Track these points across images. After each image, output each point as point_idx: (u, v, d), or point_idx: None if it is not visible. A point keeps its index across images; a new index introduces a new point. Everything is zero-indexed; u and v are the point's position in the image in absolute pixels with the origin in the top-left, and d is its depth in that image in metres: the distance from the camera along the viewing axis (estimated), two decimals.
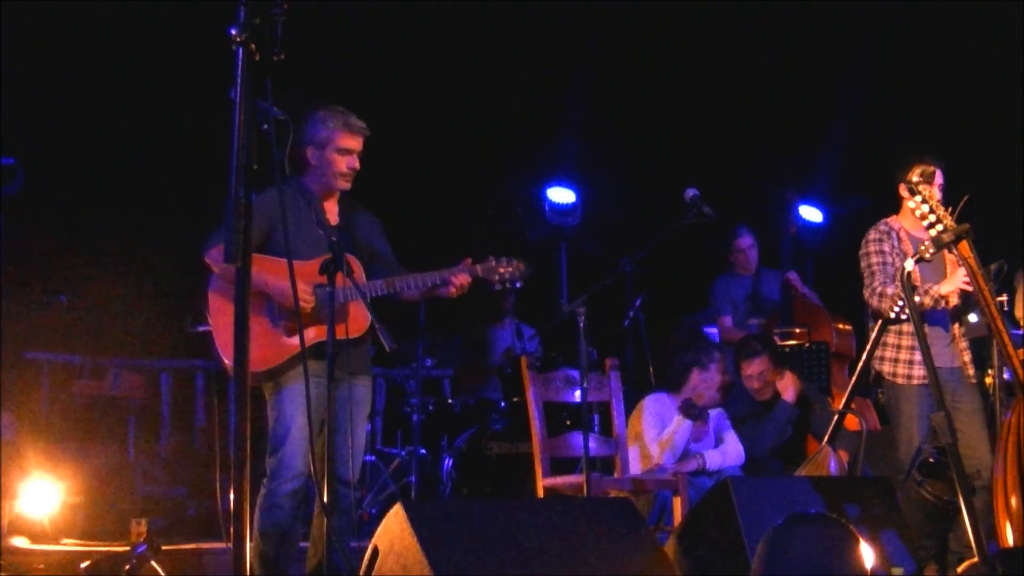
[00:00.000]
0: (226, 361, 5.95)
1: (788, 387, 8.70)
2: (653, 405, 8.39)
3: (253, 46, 3.84)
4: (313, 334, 5.96)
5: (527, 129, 11.69)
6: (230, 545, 3.89)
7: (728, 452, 8.29)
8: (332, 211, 6.32)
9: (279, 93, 4.19)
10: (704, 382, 8.38)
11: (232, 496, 3.67)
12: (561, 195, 11.48)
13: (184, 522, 9.22)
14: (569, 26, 11.59)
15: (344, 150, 6.19)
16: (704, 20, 11.86)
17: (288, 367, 6.04)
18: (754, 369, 8.67)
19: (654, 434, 8.23)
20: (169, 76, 10.04)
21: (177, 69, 9.90)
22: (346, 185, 6.28)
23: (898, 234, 7.21)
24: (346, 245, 6.05)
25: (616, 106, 12.02)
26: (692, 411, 8.22)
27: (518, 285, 6.33)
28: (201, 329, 6.32)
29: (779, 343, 9.51)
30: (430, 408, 9.77)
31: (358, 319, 6.08)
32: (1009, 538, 5.54)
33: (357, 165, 6.24)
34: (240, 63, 3.85)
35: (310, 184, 6.27)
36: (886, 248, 7.16)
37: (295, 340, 5.92)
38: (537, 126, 11.71)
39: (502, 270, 6.23)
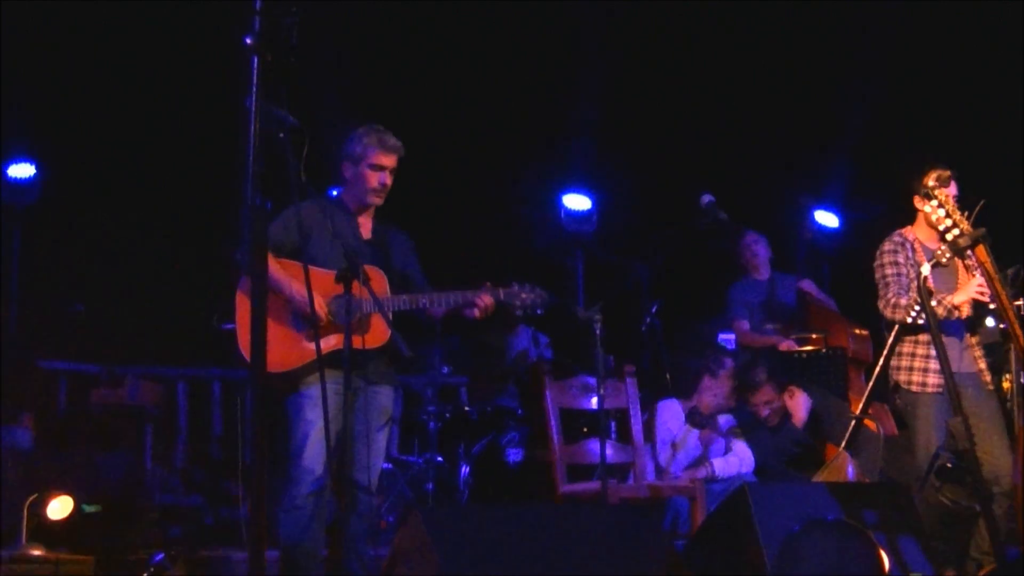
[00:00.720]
0: (247, 359, 6.02)
1: (798, 408, 8.72)
2: (664, 412, 8.41)
3: (268, 55, 3.87)
4: (334, 342, 6.06)
5: (543, 136, 11.70)
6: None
7: (739, 459, 8.29)
8: (366, 225, 6.51)
9: (300, 101, 4.22)
10: (714, 388, 8.41)
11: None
12: (577, 202, 11.48)
13: (202, 531, 9.23)
14: (584, 32, 11.59)
15: (377, 166, 6.38)
16: (720, 25, 11.87)
17: (306, 372, 6.14)
18: (759, 399, 8.70)
19: (664, 440, 8.25)
20: (185, 84, 10.07)
21: (193, 76, 9.93)
22: (378, 200, 6.46)
23: (912, 245, 7.20)
24: (378, 260, 6.26)
25: (631, 112, 12.01)
26: (697, 419, 8.25)
27: (540, 312, 6.40)
28: (227, 328, 6.37)
29: (796, 348, 9.51)
30: (447, 416, 9.76)
31: (377, 331, 6.18)
32: None
33: (389, 182, 6.42)
34: (255, 71, 3.88)
35: (346, 198, 6.50)
36: (900, 259, 7.15)
37: (313, 345, 5.98)
38: (553, 133, 11.72)
39: (524, 296, 6.31)
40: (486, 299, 6.25)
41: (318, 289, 5.85)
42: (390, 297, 6.16)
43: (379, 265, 6.24)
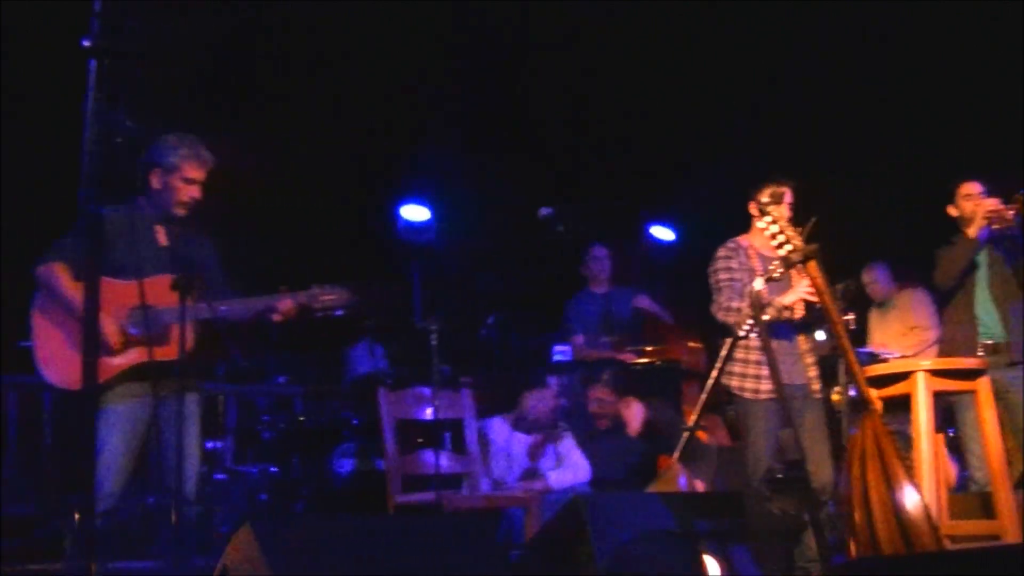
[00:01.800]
0: (46, 379, 5.88)
1: (633, 418, 8.80)
2: (493, 425, 8.43)
3: (107, 58, 3.80)
4: (135, 355, 5.88)
5: (382, 147, 11.67)
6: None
7: (574, 470, 8.34)
8: (164, 232, 6.21)
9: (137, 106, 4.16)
10: (537, 401, 8.45)
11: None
12: (415, 212, 11.47)
13: (32, 543, 9.04)
14: (424, 43, 11.60)
15: (190, 180, 6.14)
16: (557, 36, 11.95)
17: (104, 388, 5.87)
18: (594, 395, 8.77)
19: (497, 452, 8.27)
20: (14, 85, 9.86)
21: (25, 77, 9.73)
22: (183, 212, 6.19)
23: (747, 252, 7.31)
24: (177, 268, 5.95)
25: (472, 124, 12.04)
26: (527, 426, 8.29)
27: (339, 313, 6.29)
28: (23, 345, 6.20)
29: (631, 361, 9.60)
30: (282, 426, 9.69)
31: (178, 341, 5.91)
32: (855, 551, 5.64)
33: (199, 195, 6.18)
34: (92, 75, 3.80)
35: (147, 206, 6.19)
36: (734, 265, 7.25)
37: (114, 361, 5.83)
38: (392, 144, 11.70)
39: (325, 297, 6.20)
40: (286, 303, 6.11)
41: (116, 301, 5.71)
42: (190, 306, 5.96)
43: (179, 273, 5.92)
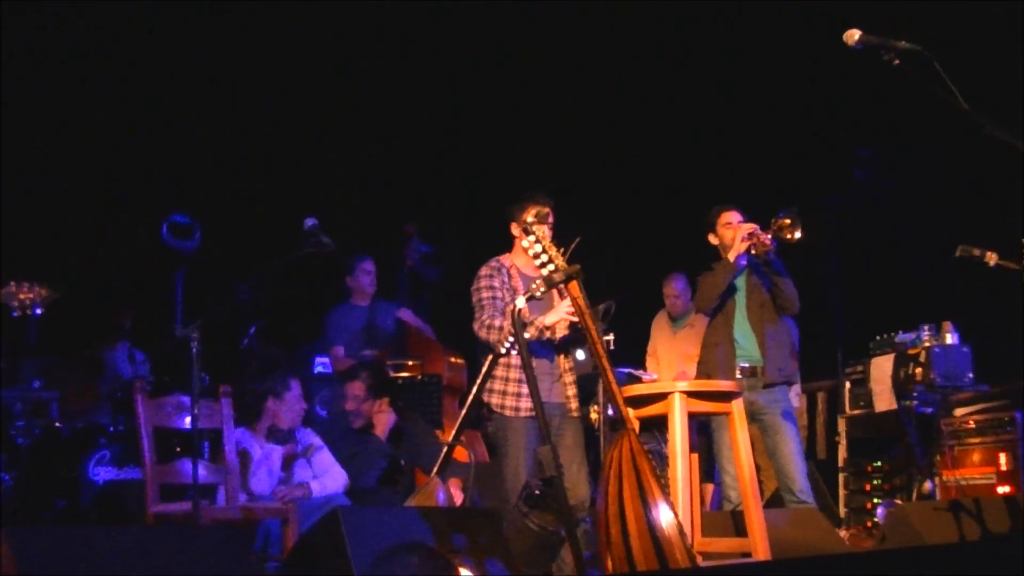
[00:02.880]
0: None
1: (382, 423, 8.82)
2: (246, 438, 8.37)
3: None
4: None
5: (148, 152, 11.50)
6: None
7: (332, 479, 8.32)
8: None
9: None
10: (281, 409, 8.42)
11: None
12: (180, 217, 11.31)
13: None
14: (190, 47, 11.49)
15: None
16: (319, 46, 11.94)
17: None
18: (348, 391, 8.77)
19: (255, 463, 8.21)
20: None
21: None
22: None
23: (509, 271, 7.39)
24: None
25: (237, 132, 11.94)
26: (278, 436, 8.25)
27: (38, 312, 6.16)
28: None
29: (393, 375, 9.60)
30: (36, 432, 9.44)
31: None
32: (610, 567, 5.74)
33: None
34: None
35: None
36: (496, 283, 7.33)
37: None
38: (158, 149, 11.54)
39: (22, 295, 6.05)
40: None
41: None
42: None
43: None
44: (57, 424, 9.85)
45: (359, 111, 12.20)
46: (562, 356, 7.38)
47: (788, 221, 8.09)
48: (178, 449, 8.80)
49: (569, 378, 7.39)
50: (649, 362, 10.45)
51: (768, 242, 8.12)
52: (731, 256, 8.21)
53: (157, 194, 11.33)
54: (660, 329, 10.45)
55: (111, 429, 9.49)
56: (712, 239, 8.48)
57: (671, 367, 10.13)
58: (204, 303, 8.13)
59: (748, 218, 8.35)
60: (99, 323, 10.01)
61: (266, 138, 12.01)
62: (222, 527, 6.96)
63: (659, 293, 10.59)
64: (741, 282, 8.41)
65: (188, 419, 7.37)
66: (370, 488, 8.64)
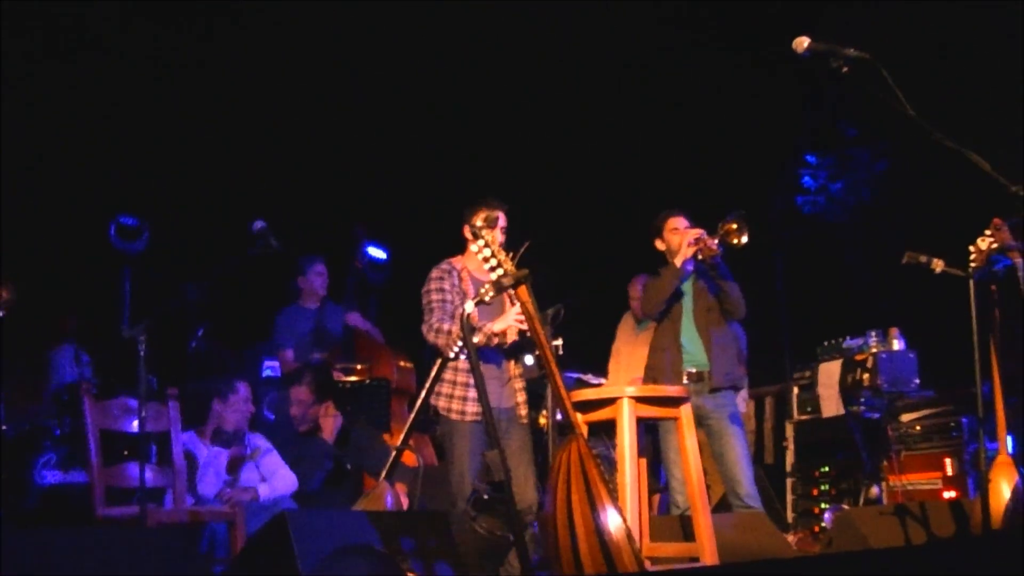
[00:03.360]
0: None
1: (328, 425, 8.81)
2: (193, 441, 8.33)
3: None
4: None
5: (95, 153, 11.44)
6: None
7: (280, 482, 8.29)
8: None
9: None
10: (226, 411, 8.39)
11: None
12: (127, 219, 11.25)
13: None
14: (136, 47, 11.45)
15: None
16: (264, 54, 11.92)
17: None
18: (293, 396, 8.75)
19: (203, 465, 8.18)
20: None
21: None
22: None
23: (459, 274, 7.38)
24: None
25: (186, 133, 11.89)
26: (225, 438, 8.23)
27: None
28: None
29: (341, 378, 9.58)
30: None
31: None
32: (558, 571, 5.74)
33: None
34: None
35: None
36: (446, 286, 7.31)
37: None
38: (106, 149, 11.48)
39: None
40: None
41: None
42: None
43: None
44: (3, 427, 9.78)
45: (308, 112, 12.18)
46: (511, 361, 7.38)
47: (735, 226, 8.11)
48: (125, 452, 8.74)
49: (519, 384, 7.39)
50: (612, 362, 10.43)
51: (715, 247, 8.13)
52: (678, 261, 8.22)
53: (105, 195, 11.27)
54: (624, 330, 10.44)
55: (56, 432, 9.42)
56: (659, 244, 8.50)
57: (630, 369, 10.11)
58: (151, 304, 8.08)
59: (696, 223, 8.37)
60: (44, 324, 9.93)
61: (215, 139, 11.97)
62: (169, 530, 6.93)
63: (609, 298, 10.59)
64: (688, 287, 8.43)
65: (135, 422, 7.33)
66: (315, 491, 8.63)
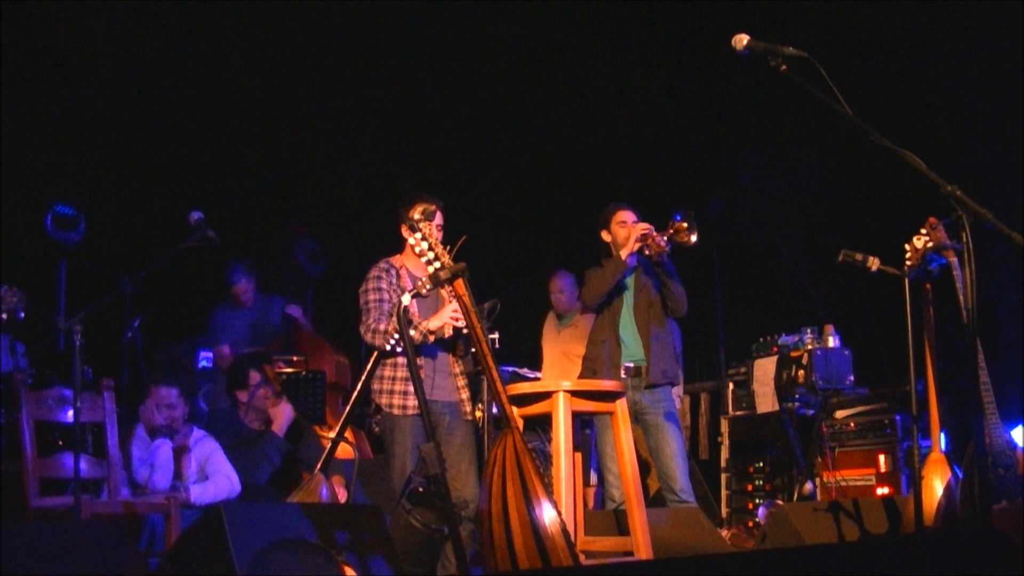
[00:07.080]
0: None
1: (280, 416, 8.75)
2: (136, 434, 8.29)
3: None
4: None
5: (31, 141, 11.35)
6: None
7: (218, 486, 8.20)
8: None
9: None
10: (151, 404, 8.35)
11: None
12: (63, 208, 11.18)
13: None
14: (77, 38, 11.37)
15: None
16: (203, 48, 11.87)
17: None
18: (260, 393, 8.68)
19: (140, 458, 8.13)
20: None
21: None
22: None
23: (398, 272, 7.36)
24: None
25: (123, 122, 11.82)
26: (166, 430, 8.18)
27: None
28: None
29: (278, 369, 9.55)
30: None
31: None
32: (493, 565, 5.76)
33: None
34: None
35: None
36: (384, 285, 7.28)
37: None
38: (42, 138, 11.40)
39: None
40: None
41: None
42: None
43: None
44: None
45: (247, 104, 12.13)
46: (452, 354, 7.37)
47: (685, 225, 8.15)
48: (60, 443, 8.69)
49: (462, 380, 7.38)
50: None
51: (663, 244, 8.17)
52: (623, 254, 8.26)
53: (41, 184, 11.18)
54: (547, 327, 10.46)
55: None
56: (604, 236, 8.53)
57: (552, 365, 10.15)
58: (87, 295, 8.03)
59: (640, 219, 8.40)
60: None
61: (153, 129, 11.91)
62: (103, 522, 6.89)
63: (545, 292, 10.59)
64: (630, 282, 8.47)
65: (70, 412, 7.28)
66: (260, 486, 8.56)
